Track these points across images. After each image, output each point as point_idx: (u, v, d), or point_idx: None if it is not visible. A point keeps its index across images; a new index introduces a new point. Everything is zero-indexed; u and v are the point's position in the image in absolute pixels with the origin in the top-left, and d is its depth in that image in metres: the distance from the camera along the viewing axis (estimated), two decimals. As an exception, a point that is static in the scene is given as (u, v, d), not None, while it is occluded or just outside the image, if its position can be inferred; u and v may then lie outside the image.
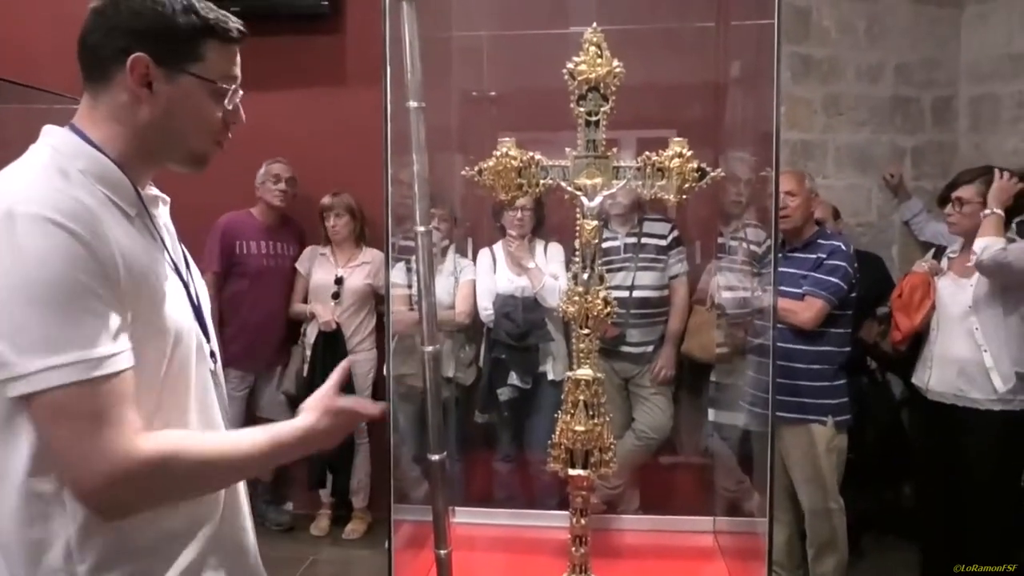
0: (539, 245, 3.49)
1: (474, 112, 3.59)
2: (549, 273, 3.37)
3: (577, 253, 1.94)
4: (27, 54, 3.94)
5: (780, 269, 2.86)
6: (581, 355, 1.95)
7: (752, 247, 2.92)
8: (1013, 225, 2.97)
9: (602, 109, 1.87)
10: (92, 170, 1.09)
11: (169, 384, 1.14)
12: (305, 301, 4.00)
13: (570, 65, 1.87)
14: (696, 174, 1.89)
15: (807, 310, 2.97)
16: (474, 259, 3.59)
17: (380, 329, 3.94)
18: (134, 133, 1.14)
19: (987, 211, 2.86)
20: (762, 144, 2.43)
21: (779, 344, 2.45)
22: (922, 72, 4.17)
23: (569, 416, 1.96)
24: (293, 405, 3.91)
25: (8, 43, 4.03)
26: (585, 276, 1.93)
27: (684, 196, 1.90)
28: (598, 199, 1.91)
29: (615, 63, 1.86)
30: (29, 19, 4.12)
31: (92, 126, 1.14)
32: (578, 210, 1.93)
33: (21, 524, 1.06)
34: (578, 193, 1.92)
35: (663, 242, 3.45)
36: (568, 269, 2.03)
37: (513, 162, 1.93)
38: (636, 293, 3.38)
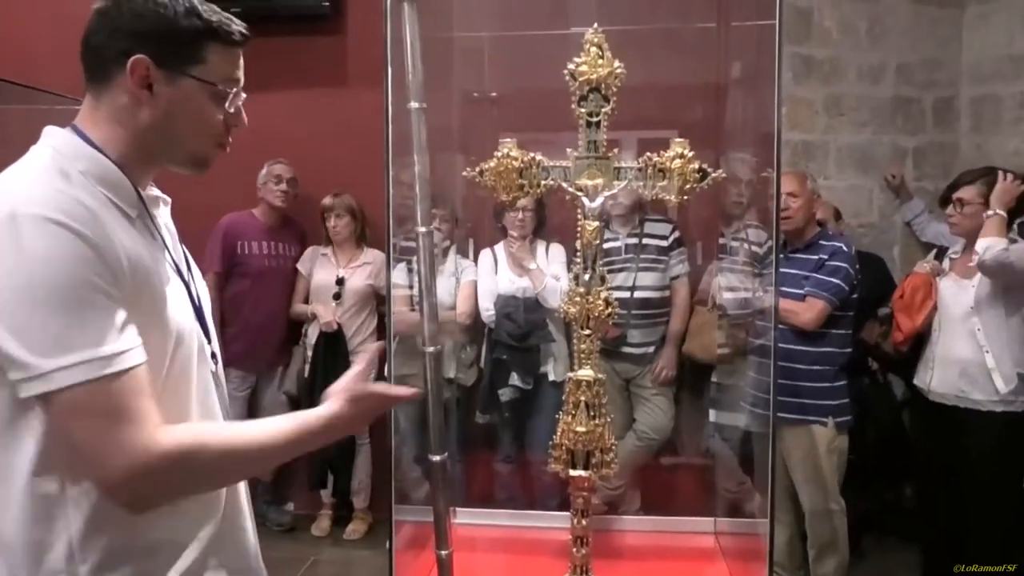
0: (540, 246, 3.49)
1: (475, 113, 3.60)
2: (550, 274, 3.37)
3: (578, 254, 1.94)
4: (28, 54, 3.95)
5: (781, 270, 2.86)
6: (582, 356, 1.95)
7: (753, 248, 2.92)
8: (1015, 226, 2.97)
9: (603, 110, 1.88)
10: (93, 171, 1.09)
11: (170, 385, 1.14)
12: (306, 302, 4.00)
13: (571, 66, 1.87)
14: (697, 175, 1.89)
15: (808, 311, 2.97)
16: (475, 260, 3.59)
17: (381, 330, 3.94)
18: (134, 135, 1.14)
19: (990, 212, 2.86)
20: (763, 145, 2.43)
21: (780, 345, 2.45)
22: (923, 73, 4.17)
23: (570, 417, 1.96)
24: (294, 405, 3.93)
25: (8, 44, 4.03)
26: (586, 277, 1.93)
27: (685, 197, 1.91)
28: (599, 200, 1.91)
29: (616, 64, 1.86)
30: (30, 19, 4.13)
31: (93, 127, 1.14)
32: (579, 211, 1.93)
33: (24, 524, 1.06)
34: (579, 194, 1.92)
35: (664, 243, 3.45)
36: (569, 270, 2.03)
37: (514, 163, 1.93)
38: (637, 294, 3.38)
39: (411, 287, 3.02)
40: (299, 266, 4.03)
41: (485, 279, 3.49)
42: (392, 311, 2.46)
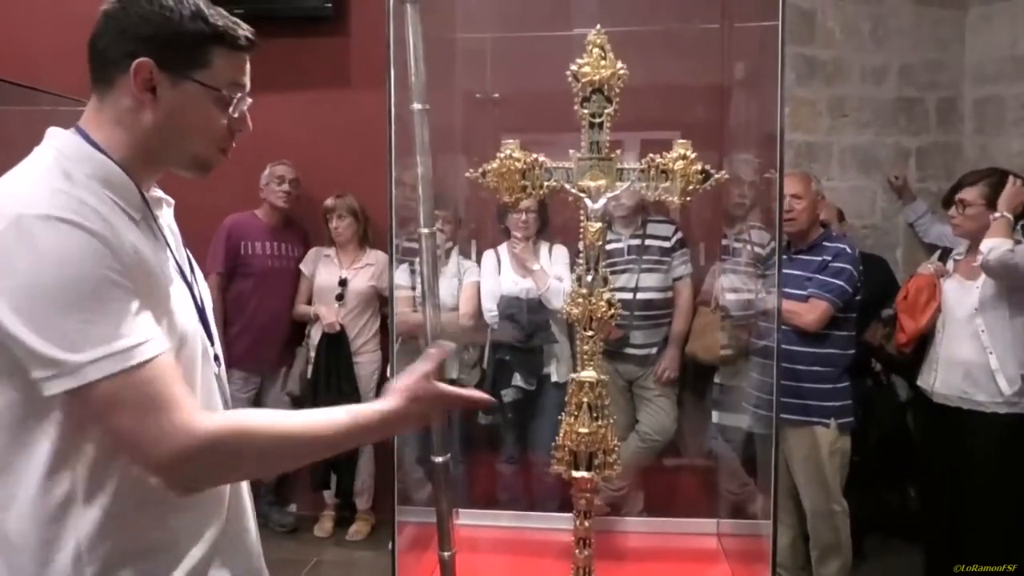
0: (543, 247, 3.49)
1: (478, 114, 3.60)
2: (553, 275, 3.37)
3: (581, 255, 1.94)
4: (29, 55, 3.95)
5: (785, 271, 2.86)
6: (585, 357, 1.95)
7: (756, 249, 2.92)
8: (1019, 227, 2.97)
9: (606, 111, 1.88)
10: (97, 174, 1.09)
11: None
12: (309, 303, 4.00)
13: (574, 67, 1.87)
14: (700, 176, 1.89)
15: (811, 312, 2.97)
16: (478, 261, 3.59)
17: (384, 331, 3.94)
18: (137, 137, 1.14)
19: (997, 214, 2.85)
20: (766, 146, 2.43)
21: (783, 346, 2.45)
22: (926, 74, 4.16)
23: (573, 418, 1.96)
24: (297, 407, 3.92)
25: (10, 44, 4.04)
26: (589, 278, 1.93)
27: (688, 198, 1.91)
28: (602, 201, 1.91)
29: (619, 65, 1.86)
30: (31, 20, 4.13)
31: (97, 129, 1.14)
32: (582, 212, 1.93)
33: (34, 525, 1.07)
34: (582, 195, 1.92)
35: (667, 244, 3.45)
36: (572, 271, 2.03)
37: (517, 164, 1.93)
38: (640, 295, 3.38)
39: (414, 288, 3.02)
40: (302, 267, 4.03)
41: (488, 280, 3.49)
42: (395, 312, 2.46)
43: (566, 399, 1.98)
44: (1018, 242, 2.84)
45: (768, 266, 2.65)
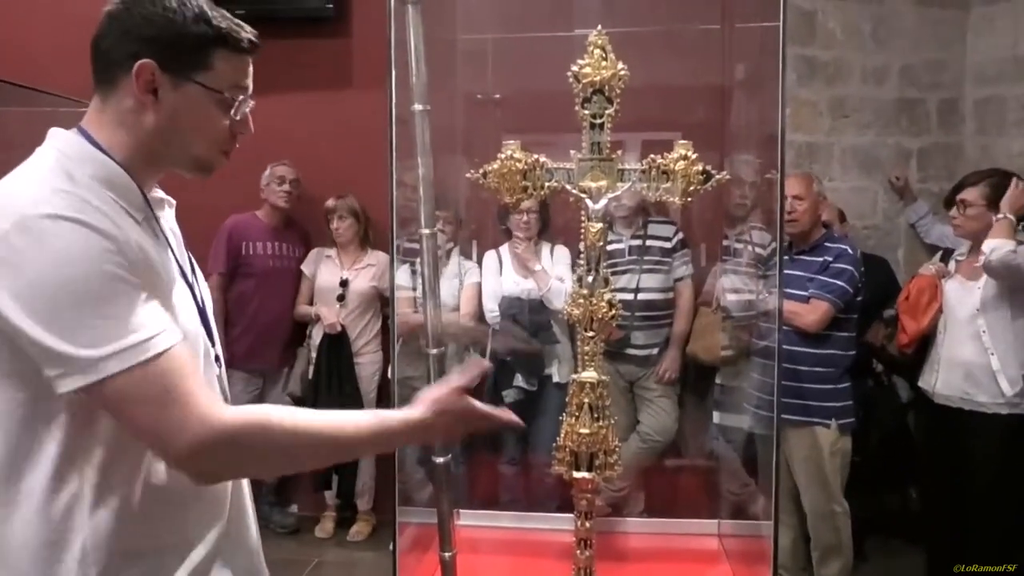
0: (545, 247, 3.49)
1: (479, 115, 3.60)
2: (555, 275, 3.37)
3: (582, 256, 1.94)
4: (30, 56, 3.95)
5: (786, 271, 2.86)
6: (586, 358, 1.95)
7: (757, 250, 2.91)
8: (1021, 228, 2.96)
9: (607, 112, 1.88)
10: (99, 174, 1.09)
11: None
12: (311, 303, 4.00)
13: (575, 68, 1.87)
14: (701, 177, 1.89)
15: (812, 313, 2.96)
16: (479, 262, 3.59)
17: (385, 331, 3.95)
18: (139, 139, 1.14)
19: (999, 215, 2.85)
20: (767, 146, 2.43)
21: (784, 347, 2.45)
22: (928, 74, 4.16)
23: (574, 419, 1.96)
24: (299, 407, 3.93)
25: (10, 45, 4.04)
26: (590, 279, 1.92)
27: (689, 199, 1.90)
28: (603, 202, 1.91)
29: (619, 66, 1.86)
30: (32, 21, 4.14)
31: (99, 129, 1.14)
32: (583, 213, 1.93)
33: (40, 524, 1.07)
34: (583, 196, 1.92)
35: (668, 244, 3.45)
36: (573, 271, 2.03)
37: (518, 164, 1.93)
38: (641, 296, 3.38)
39: (415, 289, 3.02)
40: (303, 267, 4.03)
41: (490, 280, 3.49)
42: (396, 313, 2.46)
43: (567, 400, 1.98)
44: (1020, 243, 2.83)
45: (769, 267, 2.65)
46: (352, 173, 3.83)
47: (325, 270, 3.98)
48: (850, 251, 3.05)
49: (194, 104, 1.15)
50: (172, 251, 1.22)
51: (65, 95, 3.16)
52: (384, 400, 3.87)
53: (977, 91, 4.17)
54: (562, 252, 3.45)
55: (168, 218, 1.26)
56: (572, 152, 1.93)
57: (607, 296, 1.92)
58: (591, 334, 1.93)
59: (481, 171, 1.96)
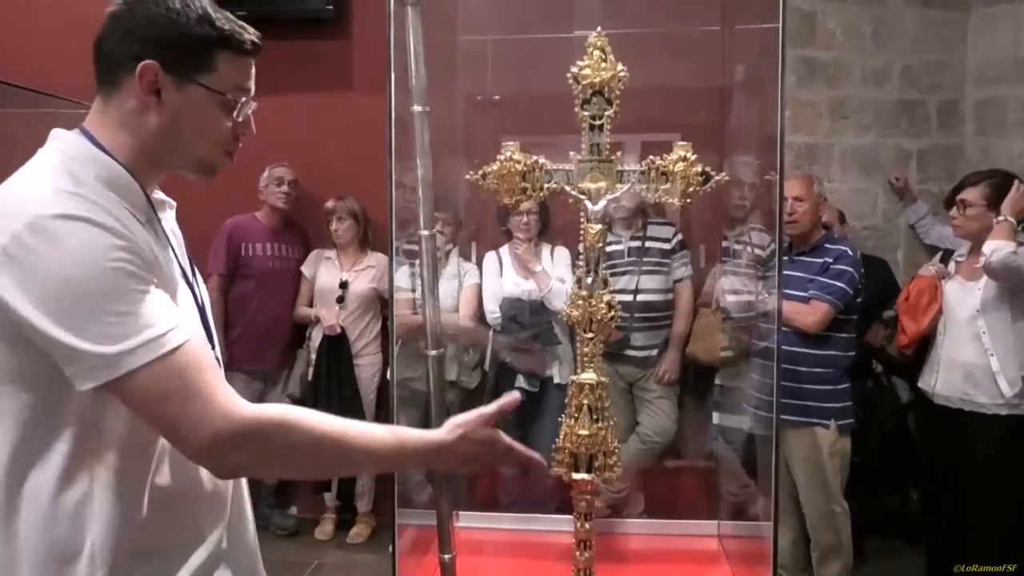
0: (545, 249, 3.49)
1: (479, 116, 3.60)
2: (556, 276, 3.37)
3: (581, 257, 1.94)
4: (31, 58, 3.96)
5: (786, 272, 2.86)
6: (585, 359, 1.95)
7: (757, 251, 2.91)
8: (1022, 229, 2.96)
9: (606, 113, 1.87)
10: (102, 176, 1.09)
11: None
12: (310, 305, 4.01)
13: (574, 69, 1.87)
14: (700, 178, 1.88)
15: (812, 314, 2.97)
16: (478, 263, 3.59)
17: (385, 333, 3.95)
18: (142, 140, 1.14)
19: (1000, 217, 2.85)
20: (767, 148, 2.43)
21: (784, 347, 2.45)
22: (928, 75, 4.16)
23: (573, 420, 1.95)
24: (298, 408, 3.93)
25: (11, 47, 4.04)
26: (589, 280, 1.92)
27: (688, 200, 1.90)
28: (602, 203, 1.90)
29: (619, 67, 1.86)
30: (33, 23, 4.14)
31: (102, 130, 1.14)
32: (582, 214, 1.93)
33: (49, 525, 1.07)
34: (582, 197, 1.91)
35: (667, 246, 3.45)
36: (573, 272, 2.03)
37: (517, 166, 1.93)
38: (640, 297, 3.38)
39: (414, 290, 3.02)
40: (303, 269, 4.03)
41: (490, 282, 3.49)
42: (395, 314, 2.46)
43: (566, 401, 1.98)
44: (1021, 244, 2.83)
45: (769, 268, 2.65)
46: (352, 174, 3.84)
47: (325, 271, 3.98)
48: (850, 252, 3.05)
49: (197, 105, 1.15)
50: (174, 252, 1.22)
51: (66, 97, 3.16)
52: (384, 402, 3.86)
53: (977, 92, 4.18)
54: (562, 253, 3.46)
55: (169, 219, 1.27)
56: (571, 153, 1.93)
57: (606, 297, 1.92)
58: (590, 335, 1.93)
59: (480, 172, 1.96)
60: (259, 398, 3.98)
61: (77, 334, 0.99)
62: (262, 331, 3.94)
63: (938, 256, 3.37)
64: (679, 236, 3.48)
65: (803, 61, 4.06)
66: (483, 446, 1.27)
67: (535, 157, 1.94)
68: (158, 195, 1.24)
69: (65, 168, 1.08)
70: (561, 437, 1.98)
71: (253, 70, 1.21)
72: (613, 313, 1.93)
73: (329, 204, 3.95)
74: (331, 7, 4.02)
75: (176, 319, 1.06)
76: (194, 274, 1.28)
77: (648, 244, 3.43)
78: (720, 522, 2.79)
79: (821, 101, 4.13)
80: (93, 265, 1.00)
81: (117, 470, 1.08)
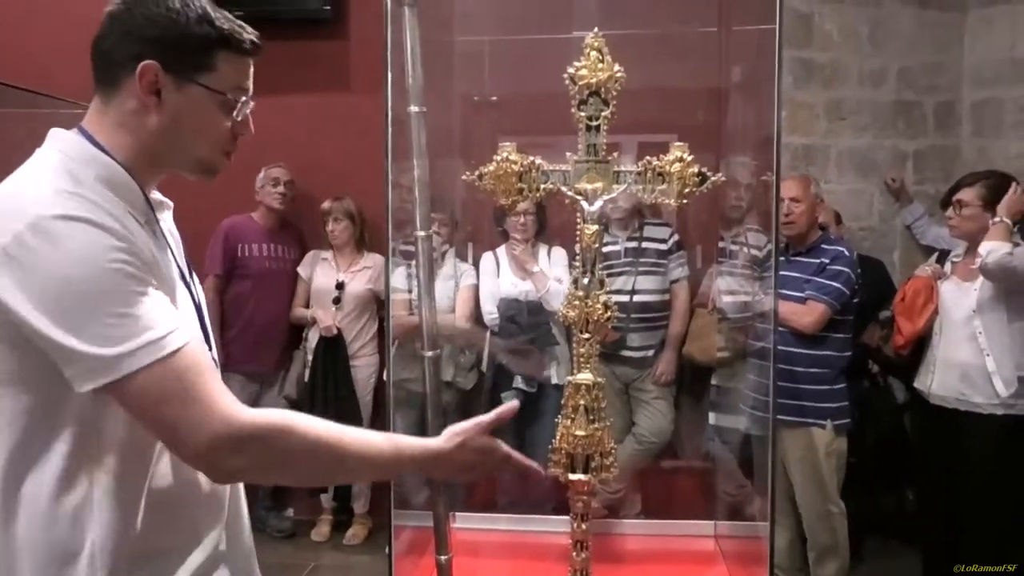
0: (542, 249, 3.49)
1: (476, 117, 3.60)
2: (553, 277, 3.37)
3: (578, 257, 1.94)
4: (28, 58, 3.95)
5: (783, 273, 2.87)
6: (581, 360, 1.94)
7: (753, 251, 2.92)
8: (1017, 230, 2.97)
9: (603, 114, 1.87)
10: (102, 176, 1.09)
11: None
12: (307, 306, 4.00)
13: (571, 70, 1.87)
14: (697, 179, 1.88)
15: (809, 314, 2.97)
16: (475, 264, 3.59)
17: (382, 334, 3.94)
18: (141, 140, 1.14)
19: (996, 219, 2.86)
20: (763, 149, 2.43)
21: (780, 348, 2.45)
22: (925, 77, 4.17)
23: (569, 421, 1.95)
24: (295, 410, 3.92)
25: (8, 47, 4.03)
26: (585, 280, 1.92)
27: (685, 201, 1.90)
28: (598, 203, 1.90)
29: (616, 68, 1.86)
30: (30, 23, 4.13)
31: (101, 131, 1.13)
32: (579, 214, 1.93)
33: (49, 527, 1.06)
34: (578, 197, 1.91)
35: (664, 246, 3.45)
36: (571, 273, 2.03)
37: (513, 166, 1.92)
38: (637, 297, 3.38)
39: (410, 291, 3.02)
40: (299, 270, 4.03)
41: (487, 282, 3.49)
42: (391, 315, 2.46)
43: (562, 402, 1.98)
44: (1016, 244, 2.84)
45: (765, 268, 2.65)
46: (348, 175, 3.83)
47: (321, 272, 3.97)
48: (847, 253, 3.05)
49: (197, 105, 1.14)
50: (172, 253, 1.22)
51: (63, 97, 3.15)
52: (380, 403, 3.86)
53: (974, 93, 4.18)
54: (559, 253, 3.46)
55: (167, 220, 1.26)
56: (568, 154, 1.93)
57: (603, 298, 1.92)
58: (587, 336, 1.93)
59: (477, 173, 1.96)
60: (255, 399, 3.98)
61: (77, 335, 0.99)
62: (258, 332, 3.93)
63: (934, 256, 3.38)
64: (675, 237, 3.48)
65: (800, 62, 4.06)
66: (481, 454, 1.26)
67: (531, 158, 1.94)
68: (156, 195, 1.24)
69: (65, 168, 1.07)
70: (557, 438, 1.98)
71: (251, 69, 1.21)
72: (609, 314, 1.93)
73: (325, 205, 3.95)
74: (328, 7, 4.01)
75: (176, 321, 1.05)
76: (191, 275, 1.28)
77: (644, 245, 3.44)
78: (717, 522, 2.79)
79: (818, 102, 4.13)
80: (93, 266, 1.00)
81: (116, 472, 1.08)
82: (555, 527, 2.51)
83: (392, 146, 2.02)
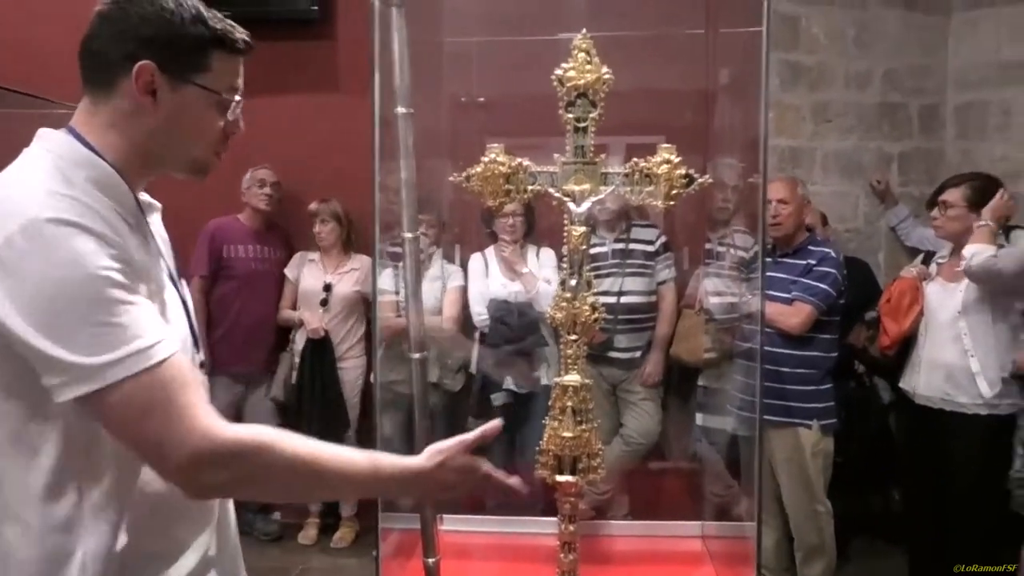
0: (531, 250, 3.49)
1: (464, 118, 3.60)
2: (542, 278, 3.37)
3: (565, 259, 1.94)
4: (15, 58, 3.92)
5: (770, 274, 2.88)
6: (569, 361, 1.95)
7: (740, 253, 2.93)
8: (1001, 232, 2.99)
9: (590, 115, 1.87)
10: (93, 177, 1.08)
11: None
12: (294, 307, 3.99)
13: (559, 71, 1.87)
14: (684, 180, 1.89)
15: (795, 315, 2.98)
16: (462, 265, 3.59)
17: (369, 336, 3.93)
18: (134, 141, 1.13)
19: (982, 222, 2.88)
20: (750, 151, 2.44)
21: (767, 348, 2.46)
22: (910, 79, 4.20)
23: (557, 422, 1.95)
24: (282, 412, 3.91)
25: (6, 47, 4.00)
26: (573, 282, 1.92)
27: (672, 202, 1.91)
28: (586, 205, 1.91)
29: (603, 69, 1.86)
30: (17, 24, 4.09)
31: (92, 132, 1.12)
32: (566, 216, 1.93)
33: (39, 535, 1.05)
34: (566, 199, 1.91)
35: (651, 248, 3.46)
36: (559, 274, 2.03)
37: (501, 168, 1.92)
38: (624, 299, 3.38)
39: (397, 293, 3.02)
40: (286, 271, 4.01)
41: (476, 283, 3.49)
42: (378, 317, 2.45)
43: (550, 403, 1.98)
44: (1000, 246, 2.86)
45: (752, 269, 2.66)
46: (336, 176, 3.82)
47: (308, 274, 3.96)
48: (833, 254, 3.07)
49: (192, 106, 1.14)
50: (161, 255, 1.21)
51: (45, 97, 3.13)
52: (368, 405, 3.85)
53: (958, 96, 4.21)
54: (548, 254, 3.46)
55: (155, 222, 1.25)
56: (555, 156, 1.93)
57: (590, 300, 1.92)
58: (574, 337, 1.93)
59: (464, 174, 1.96)
60: (241, 400, 3.96)
61: (58, 343, 0.97)
62: (245, 333, 3.91)
63: (920, 258, 3.40)
64: (663, 238, 3.49)
65: (787, 65, 4.08)
66: (462, 474, 1.25)
67: (519, 159, 1.94)
68: (144, 197, 1.23)
69: (57, 169, 1.06)
70: (545, 439, 1.98)
71: (242, 68, 1.21)
72: (597, 315, 1.93)
73: (313, 206, 3.93)
74: (316, 8, 4.00)
75: (164, 331, 1.04)
76: (180, 277, 1.27)
77: (632, 246, 3.44)
78: (704, 523, 2.80)
79: (804, 104, 4.15)
80: (81, 272, 0.98)
81: (106, 478, 1.07)
82: (543, 529, 2.51)
83: (380, 147, 2.02)
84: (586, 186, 1.90)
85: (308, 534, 4.05)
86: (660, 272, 3.47)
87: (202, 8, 1.14)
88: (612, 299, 3.32)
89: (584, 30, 1.89)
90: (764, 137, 2.12)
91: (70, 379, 0.98)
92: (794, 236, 3.11)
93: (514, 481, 1.32)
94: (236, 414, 3.92)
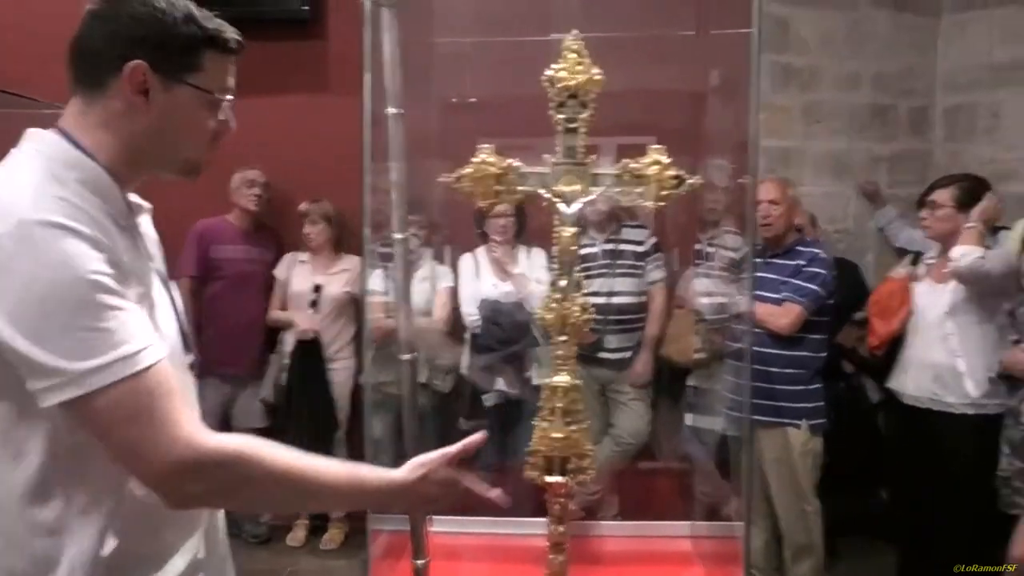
0: (522, 251, 3.49)
1: (455, 118, 3.59)
2: (534, 278, 3.37)
3: (555, 260, 1.94)
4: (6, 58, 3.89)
5: (759, 275, 2.89)
6: (558, 362, 1.94)
7: (730, 253, 2.94)
8: (988, 232, 3.01)
9: (581, 116, 1.87)
10: (84, 179, 1.07)
11: None
12: (284, 308, 3.97)
13: (549, 72, 1.87)
14: (674, 181, 1.89)
15: (785, 316, 2.99)
16: (452, 266, 3.58)
17: (359, 337, 3.92)
18: (125, 141, 1.12)
19: (970, 224, 2.89)
20: (740, 152, 2.44)
21: (756, 349, 2.46)
22: (899, 81, 4.22)
23: (546, 423, 1.95)
24: (271, 413, 3.89)
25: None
26: (563, 283, 1.92)
27: (662, 203, 1.91)
28: (576, 206, 1.90)
29: (594, 70, 1.86)
30: (14, 23, 4.07)
31: (82, 132, 1.11)
32: (556, 217, 1.93)
33: (24, 540, 1.05)
34: (556, 200, 1.91)
35: (641, 248, 3.46)
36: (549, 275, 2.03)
37: (491, 169, 1.92)
38: (614, 300, 3.39)
39: (387, 294, 3.01)
40: (276, 272, 4.00)
41: (467, 284, 3.48)
42: (368, 318, 2.44)
43: (539, 404, 1.98)
44: (988, 247, 2.88)
45: (742, 270, 2.67)
46: (326, 177, 3.81)
47: (298, 275, 3.95)
48: (823, 255, 3.08)
49: (185, 105, 1.14)
50: (151, 257, 1.21)
51: (33, 97, 3.11)
52: (358, 406, 3.84)
53: (948, 98, 4.24)
54: (539, 255, 3.46)
55: (145, 223, 1.25)
56: (546, 156, 1.93)
57: (580, 300, 1.92)
58: (564, 338, 1.93)
59: (455, 175, 1.95)
60: (230, 402, 3.94)
61: (43, 347, 0.96)
62: (234, 334, 3.89)
63: (909, 258, 3.41)
64: (653, 239, 3.49)
65: (777, 66, 4.10)
66: (443, 487, 1.26)
67: (509, 160, 1.94)
68: (134, 199, 1.22)
69: (48, 170, 1.05)
70: (534, 440, 1.97)
71: (233, 68, 1.20)
72: (587, 316, 1.93)
73: (302, 207, 3.92)
74: (307, 8, 3.99)
75: (150, 337, 1.03)
76: (169, 278, 1.27)
77: (622, 247, 3.45)
78: (693, 523, 2.80)
79: (795, 106, 4.17)
80: (69, 275, 0.97)
81: (95, 482, 1.06)
82: (532, 529, 2.50)
83: (370, 148, 2.01)
84: (576, 187, 1.90)
85: (297, 536, 4.04)
86: (650, 273, 3.48)
87: (193, 8, 1.13)
88: (602, 300, 3.32)
89: (575, 31, 1.89)
90: (754, 138, 2.12)
91: (55, 384, 0.97)
92: (784, 237, 3.13)
93: (495, 493, 1.33)
94: (225, 415, 3.91)
